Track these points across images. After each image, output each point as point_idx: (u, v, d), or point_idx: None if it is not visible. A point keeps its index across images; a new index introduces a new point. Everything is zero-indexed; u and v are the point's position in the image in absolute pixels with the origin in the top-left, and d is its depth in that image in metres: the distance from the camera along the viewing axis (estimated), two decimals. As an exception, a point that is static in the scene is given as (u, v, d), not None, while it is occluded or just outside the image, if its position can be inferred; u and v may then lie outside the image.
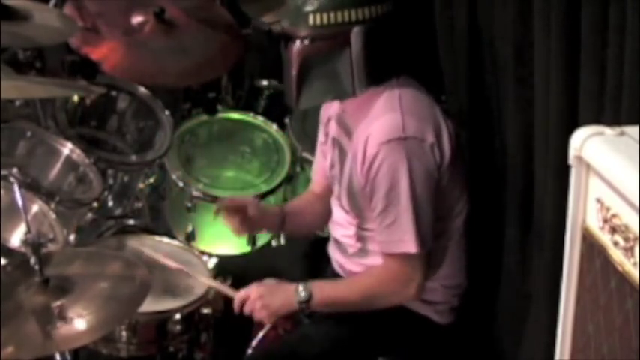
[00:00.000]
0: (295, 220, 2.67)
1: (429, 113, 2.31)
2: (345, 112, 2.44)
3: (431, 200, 2.28)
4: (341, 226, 2.51)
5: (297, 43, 2.26)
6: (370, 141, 2.26)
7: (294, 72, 2.29)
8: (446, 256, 2.43)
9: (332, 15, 2.22)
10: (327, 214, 2.60)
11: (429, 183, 2.27)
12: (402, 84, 2.33)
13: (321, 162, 2.64)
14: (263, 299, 2.36)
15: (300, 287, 2.35)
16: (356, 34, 2.23)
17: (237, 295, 2.41)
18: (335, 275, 2.54)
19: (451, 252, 2.44)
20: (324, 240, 2.65)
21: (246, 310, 2.39)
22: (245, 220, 2.58)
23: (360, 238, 2.44)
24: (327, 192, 2.62)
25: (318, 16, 2.23)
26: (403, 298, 2.38)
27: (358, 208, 2.39)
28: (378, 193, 2.28)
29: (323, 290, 2.37)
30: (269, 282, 2.42)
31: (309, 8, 2.24)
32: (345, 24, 2.23)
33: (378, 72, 2.29)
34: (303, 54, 2.27)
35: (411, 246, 2.27)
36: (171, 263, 2.59)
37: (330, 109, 2.53)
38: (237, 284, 2.50)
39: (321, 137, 2.63)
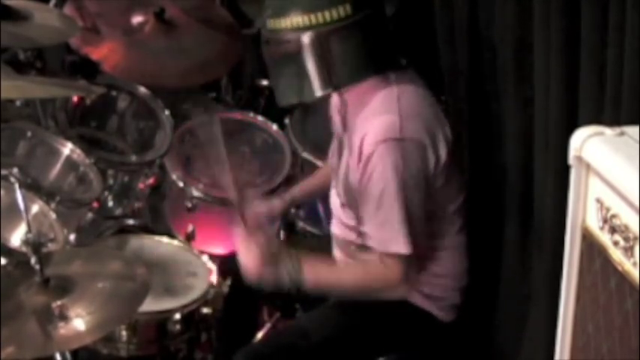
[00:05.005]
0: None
1: (427, 114, 2.31)
2: (344, 105, 2.43)
3: (422, 202, 2.28)
4: (340, 221, 2.50)
5: (264, 45, 2.33)
6: (366, 139, 2.26)
7: (268, 72, 2.38)
8: (445, 255, 2.42)
9: (282, 21, 2.25)
10: None
11: (422, 185, 2.27)
12: (402, 81, 2.31)
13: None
14: (257, 254, 2.33)
15: (291, 267, 2.32)
16: (307, 39, 2.24)
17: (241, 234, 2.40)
18: None
19: (451, 252, 2.43)
20: (329, 239, 2.61)
21: (238, 249, 2.38)
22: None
23: (360, 233, 2.43)
24: None
25: (272, 22, 2.28)
26: (394, 294, 2.38)
27: (354, 203, 2.39)
28: (372, 192, 2.28)
29: (315, 272, 2.35)
30: (273, 243, 2.43)
31: (268, 13, 2.29)
32: (295, 29, 2.24)
33: (341, 74, 2.27)
34: (267, 56, 2.33)
35: (402, 247, 2.28)
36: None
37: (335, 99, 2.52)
38: (238, 283, 2.49)
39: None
